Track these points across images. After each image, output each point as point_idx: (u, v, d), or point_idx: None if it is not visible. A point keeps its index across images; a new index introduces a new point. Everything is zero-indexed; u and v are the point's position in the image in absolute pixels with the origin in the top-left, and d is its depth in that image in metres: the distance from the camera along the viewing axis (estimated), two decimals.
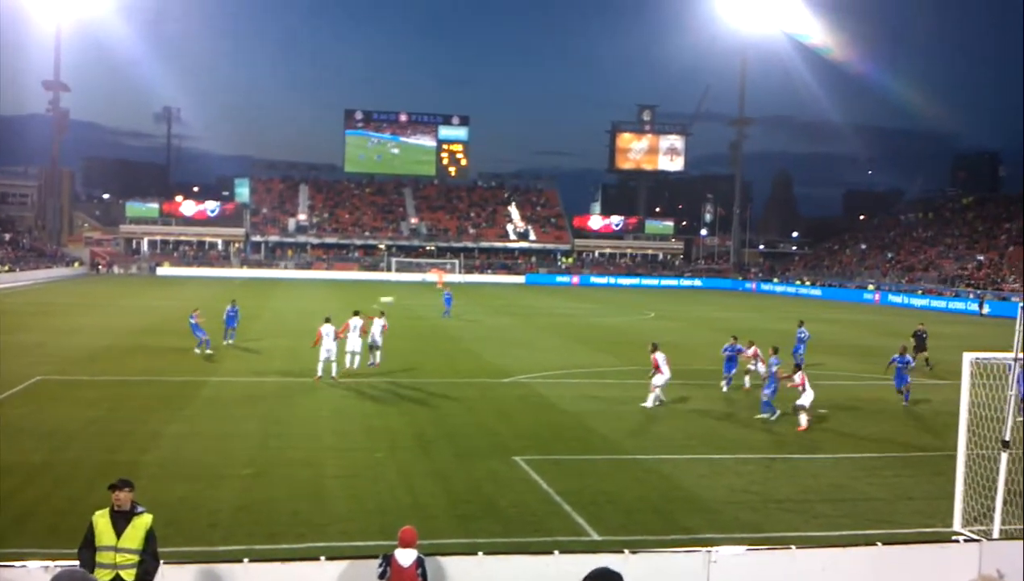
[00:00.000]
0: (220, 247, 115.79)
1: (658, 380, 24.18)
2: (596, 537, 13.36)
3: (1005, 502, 12.82)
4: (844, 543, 12.07)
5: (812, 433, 21.27)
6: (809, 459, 19.01)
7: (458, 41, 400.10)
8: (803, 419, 21.71)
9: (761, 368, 25.85)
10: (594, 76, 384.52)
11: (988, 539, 12.17)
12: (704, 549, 10.79)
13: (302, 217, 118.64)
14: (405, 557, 9.03)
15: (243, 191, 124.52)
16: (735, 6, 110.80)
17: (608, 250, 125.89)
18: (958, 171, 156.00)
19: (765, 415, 22.77)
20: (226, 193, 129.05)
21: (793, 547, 11.28)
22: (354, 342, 28.21)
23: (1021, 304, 14.48)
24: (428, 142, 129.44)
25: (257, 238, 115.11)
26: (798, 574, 10.93)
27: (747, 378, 27.64)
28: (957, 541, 12.14)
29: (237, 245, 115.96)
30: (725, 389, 27.01)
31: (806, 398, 21.84)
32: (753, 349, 27.43)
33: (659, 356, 24.24)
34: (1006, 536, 12.39)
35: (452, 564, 9.63)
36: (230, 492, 15.08)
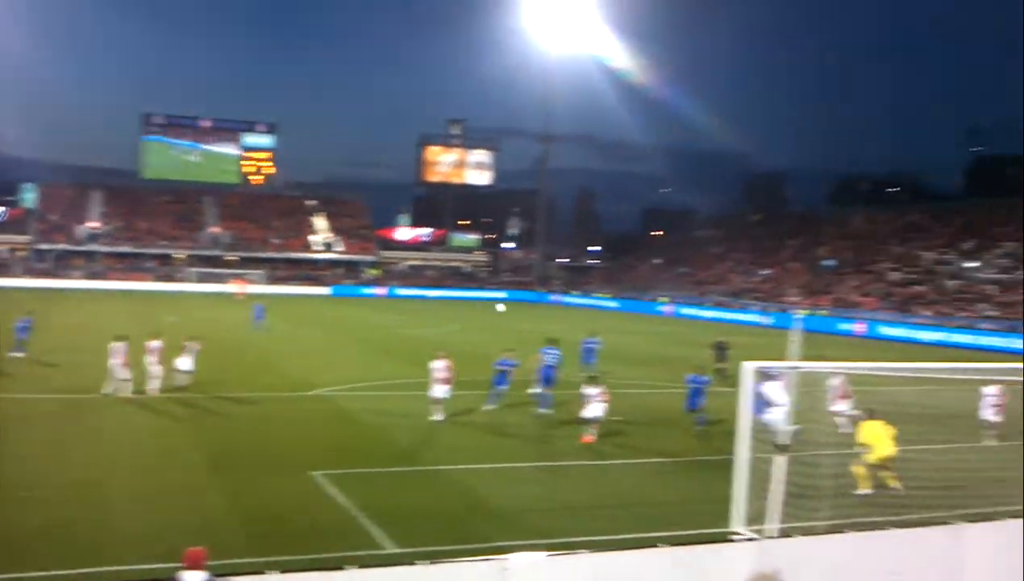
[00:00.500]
0: (3, 255, 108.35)
1: (438, 392, 23.81)
2: (393, 550, 13.30)
3: (781, 503, 13.60)
4: (633, 546, 12.48)
5: (605, 441, 21.88)
6: (603, 465, 19.60)
7: (266, 44, 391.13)
8: (590, 431, 21.64)
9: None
10: (406, 88, 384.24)
11: (765, 538, 12.89)
12: (500, 557, 10.93)
13: (94, 224, 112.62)
14: (192, 579, 8.74)
15: (30, 197, 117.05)
16: (543, 25, 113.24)
17: (415, 262, 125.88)
18: (747, 191, 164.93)
19: (543, 410, 23.23)
20: (10, 198, 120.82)
21: (586, 551, 11.59)
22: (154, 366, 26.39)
23: (796, 316, 15.45)
24: (231, 150, 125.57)
25: (44, 246, 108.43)
26: (590, 578, 11.24)
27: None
28: (736, 541, 12.79)
29: (21, 253, 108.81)
30: (491, 407, 25.60)
31: (595, 410, 21.68)
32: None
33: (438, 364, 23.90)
34: (782, 534, 13.15)
35: None
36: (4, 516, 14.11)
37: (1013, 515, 14.59)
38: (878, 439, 17.50)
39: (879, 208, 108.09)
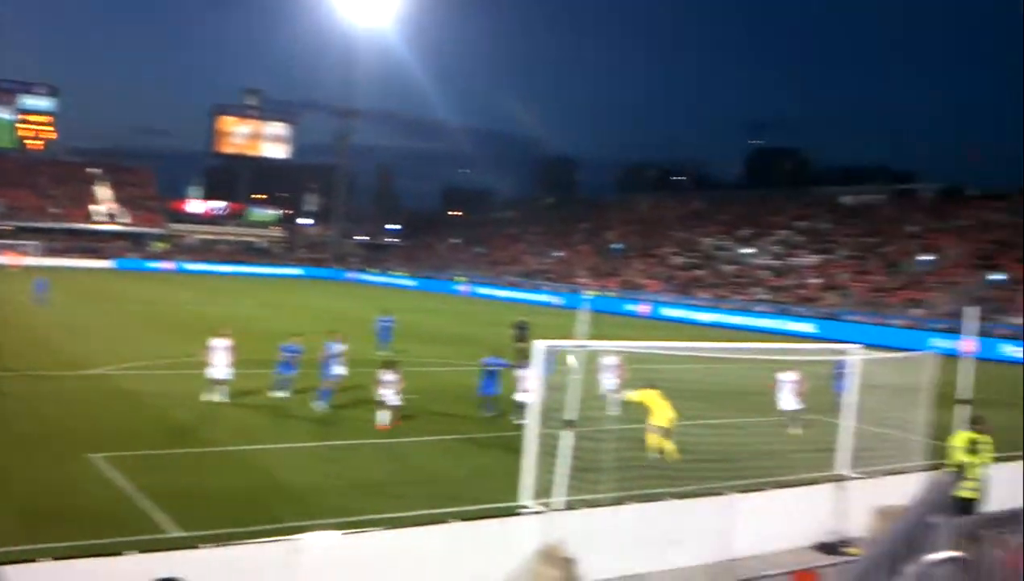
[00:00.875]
0: None
1: (217, 372, 22.93)
2: (179, 533, 12.89)
3: (567, 476, 14.06)
4: (421, 522, 12.61)
5: (401, 417, 21.92)
6: (396, 443, 19.66)
7: (50, 2, 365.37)
8: (385, 417, 21.11)
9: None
10: (200, 55, 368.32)
11: (551, 510, 13.30)
12: (292, 537, 10.81)
13: None
14: None
15: None
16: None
17: (207, 236, 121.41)
18: (541, 174, 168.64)
19: (321, 403, 22.72)
20: None
21: (378, 529, 11.62)
22: None
23: (585, 296, 15.97)
24: (5, 113, 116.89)
25: None
26: (382, 555, 11.29)
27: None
28: (523, 514, 13.14)
29: None
30: (282, 395, 24.12)
31: (391, 398, 21.13)
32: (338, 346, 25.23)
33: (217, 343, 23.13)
34: (567, 507, 13.60)
35: (13, 573, 8.84)
36: None
37: (779, 485, 15.71)
38: (657, 406, 18.47)
39: (664, 195, 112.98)
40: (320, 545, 10.97)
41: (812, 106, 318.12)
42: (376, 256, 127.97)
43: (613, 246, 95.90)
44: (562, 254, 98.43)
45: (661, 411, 18.61)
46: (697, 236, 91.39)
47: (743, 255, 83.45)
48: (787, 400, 22.61)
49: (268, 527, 12.94)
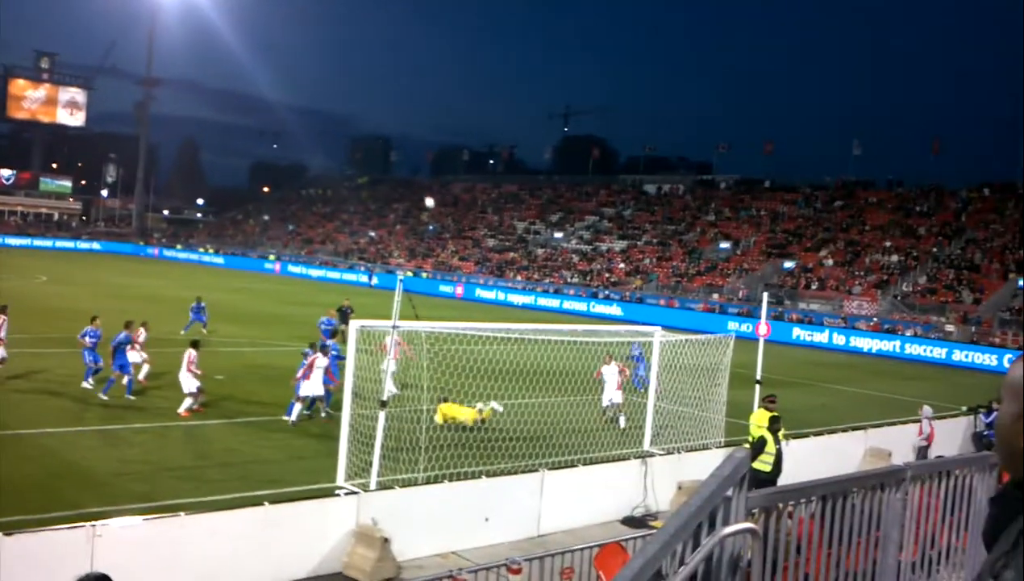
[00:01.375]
0: None
1: None
2: None
3: (382, 456, 14.06)
4: (234, 505, 12.32)
5: (208, 400, 21.27)
6: (203, 425, 19.07)
7: None
8: (187, 404, 20.09)
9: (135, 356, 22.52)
10: None
11: (366, 491, 13.27)
12: (89, 524, 10.33)
13: None
14: None
15: None
16: None
17: None
18: (355, 152, 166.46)
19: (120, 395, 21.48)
20: None
21: (182, 514, 11.26)
22: None
23: (400, 276, 15.96)
24: None
25: None
26: (187, 540, 10.96)
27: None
28: (339, 495, 13.05)
29: None
30: (89, 384, 21.83)
31: (190, 384, 20.02)
32: (142, 332, 23.61)
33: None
34: (381, 487, 13.60)
35: None
36: None
37: (589, 462, 16.23)
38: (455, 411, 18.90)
39: (477, 178, 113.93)
40: (121, 530, 10.55)
41: (619, 96, 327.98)
42: (181, 231, 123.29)
43: (427, 227, 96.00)
44: (377, 233, 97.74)
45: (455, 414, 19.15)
46: (510, 219, 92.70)
47: (553, 239, 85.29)
48: (611, 393, 22.50)
49: (64, 513, 12.33)
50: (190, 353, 20.15)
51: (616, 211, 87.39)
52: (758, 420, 15.65)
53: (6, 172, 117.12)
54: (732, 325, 49.09)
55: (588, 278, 72.84)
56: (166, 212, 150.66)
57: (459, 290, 71.95)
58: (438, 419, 19.05)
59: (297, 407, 19.94)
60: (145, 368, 22.47)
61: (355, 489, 13.48)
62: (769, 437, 14.94)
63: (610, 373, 22.29)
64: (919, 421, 20.91)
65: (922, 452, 19.80)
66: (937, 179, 73.09)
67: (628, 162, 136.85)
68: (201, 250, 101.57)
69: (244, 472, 15.68)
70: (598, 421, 20.77)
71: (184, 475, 15.23)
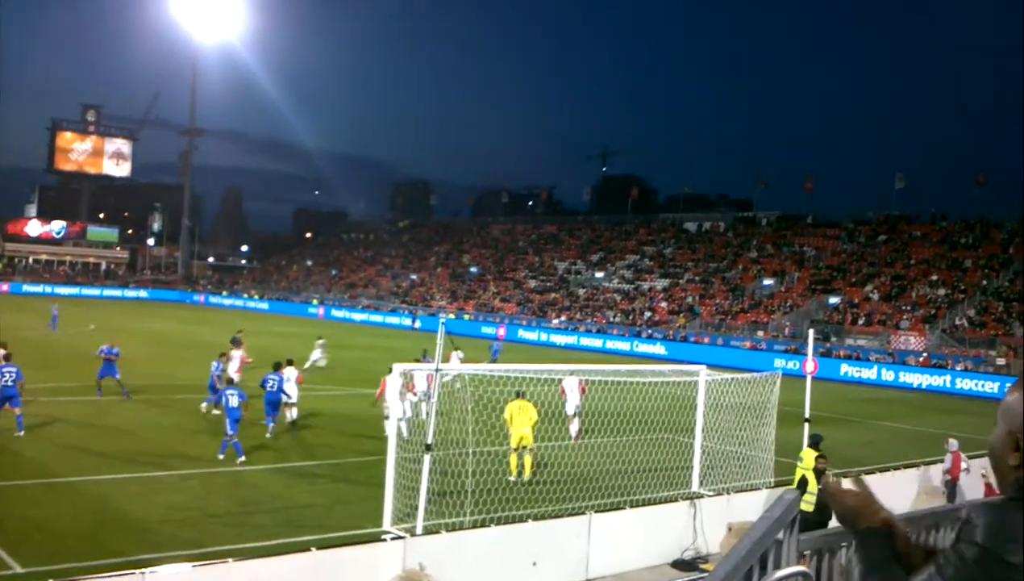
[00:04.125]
0: None
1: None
2: (19, 570, 12.19)
3: (428, 500, 14.02)
4: (281, 551, 12.31)
5: (255, 444, 21.38)
6: (249, 471, 19.13)
7: None
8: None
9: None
10: (33, 67, 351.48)
11: (412, 535, 13.21)
12: (139, 571, 10.37)
13: None
14: None
15: None
16: (190, 12, 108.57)
17: (44, 257, 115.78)
18: (396, 197, 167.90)
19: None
20: None
21: (230, 560, 11.28)
22: None
23: (442, 319, 16.00)
24: None
25: None
26: None
27: (203, 405, 25.60)
28: (385, 540, 13.00)
29: None
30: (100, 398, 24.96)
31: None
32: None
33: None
34: (427, 532, 13.54)
35: None
36: None
37: (634, 504, 16.05)
38: (520, 419, 18.60)
39: (517, 219, 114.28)
40: (170, 578, 10.57)
41: (656, 135, 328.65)
42: (226, 278, 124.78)
43: (468, 269, 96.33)
44: (418, 276, 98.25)
45: (517, 427, 18.71)
46: (550, 260, 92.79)
47: (595, 279, 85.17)
48: (572, 404, 23.68)
49: (113, 560, 12.41)
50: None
51: (657, 250, 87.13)
52: (805, 461, 15.42)
53: (57, 225, 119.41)
54: (778, 362, 48.56)
55: (631, 317, 72.53)
56: (211, 259, 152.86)
57: (501, 331, 71.94)
58: (512, 437, 18.68)
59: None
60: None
61: (401, 534, 13.42)
62: (811, 477, 14.70)
63: (570, 386, 23.49)
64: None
65: (950, 487, 19.10)
66: (981, 211, 72.15)
67: (667, 201, 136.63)
68: (246, 296, 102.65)
69: (290, 517, 15.69)
70: (645, 460, 20.58)
71: (231, 521, 15.26)
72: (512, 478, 17.81)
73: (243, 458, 19.57)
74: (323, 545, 12.38)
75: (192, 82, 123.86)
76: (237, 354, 28.08)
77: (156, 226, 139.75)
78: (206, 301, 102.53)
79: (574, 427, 23.83)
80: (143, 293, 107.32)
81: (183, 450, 20.73)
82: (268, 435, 22.24)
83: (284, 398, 23.32)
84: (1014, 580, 1.64)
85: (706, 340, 62.90)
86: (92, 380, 26.70)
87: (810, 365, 20.04)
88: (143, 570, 10.39)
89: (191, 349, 41.72)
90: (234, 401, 19.99)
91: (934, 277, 63.92)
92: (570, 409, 23.79)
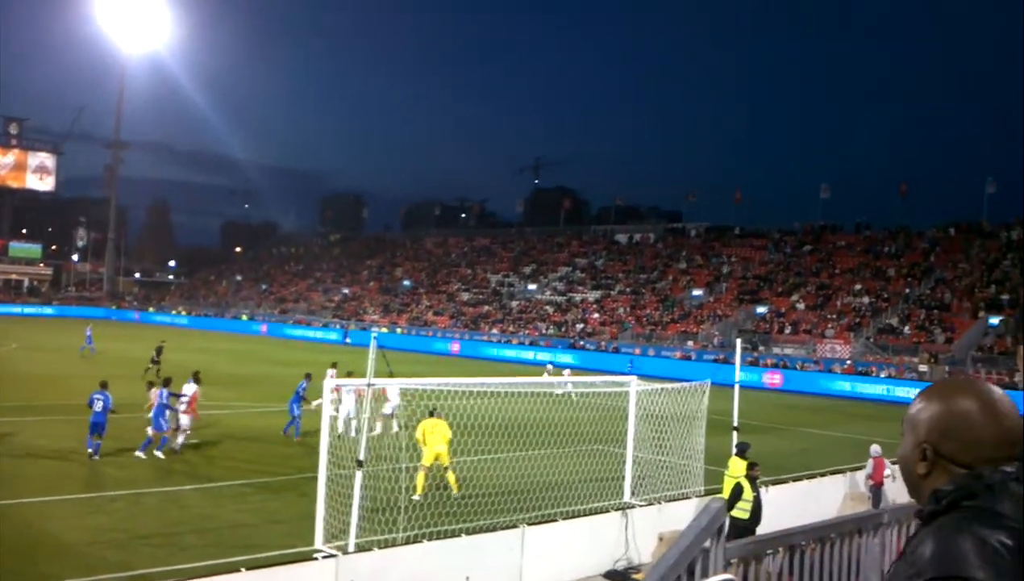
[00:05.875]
0: None
1: None
2: None
3: (360, 517, 13.92)
4: (211, 572, 12.12)
5: (181, 463, 21.06)
6: (178, 491, 18.81)
7: None
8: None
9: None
10: None
11: (344, 553, 13.11)
12: None
13: None
14: None
15: None
16: (117, 23, 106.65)
17: None
18: (326, 210, 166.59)
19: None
20: None
21: None
22: None
23: (374, 334, 15.94)
24: None
25: None
26: None
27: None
28: (316, 559, 12.88)
29: None
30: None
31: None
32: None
33: None
34: (360, 549, 13.45)
35: None
36: None
37: (567, 516, 16.14)
38: (433, 437, 18.49)
39: (450, 232, 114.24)
40: None
41: (588, 148, 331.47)
42: (154, 294, 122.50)
43: (401, 283, 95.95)
44: (350, 290, 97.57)
45: (431, 446, 18.58)
46: (483, 272, 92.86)
47: (527, 291, 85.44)
48: (390, 406, 24.68)
49: None
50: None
51: (589, 261, 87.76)
52: (732, 469, 15.66)
53: None
54: (707, 372, 49.21)
55: (563, 329, 72.89)
56: (137, 275, 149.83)
57: (455, 347, 71.65)
58: (426, 456, 18.56)
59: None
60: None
61: (333, 552, 13.31)
62: (746, 484, 14.94)
63: (392, 391, 24.09)
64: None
65: (874, 492, 19.41)
66: (904, 221, 74.15)
67: (599, 213, 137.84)
68: (174, 312, 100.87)
69: (220, 538, 15.46)
70: (576, 472, 20.67)
71: (160, 542, 14.99)
72: (416, 497, 17.45)
73: (97, 457, 20.82)
74: (253, 565, 12.21)
75: (119, 94, 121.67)
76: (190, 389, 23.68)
77: (81, 241, 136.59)
78: (133, 318, 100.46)
79: (394, 426, 24.45)
80: (67, 310, 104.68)
81: (109, 471, 20.32)
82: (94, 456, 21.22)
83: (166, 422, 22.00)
84: None
85: (637, 351, 63.48)
86: (10, 401, 26.03)
87: (738, 374, 20.37)
88: None
89: (117, 366, 40.89)
90: (99, 406, 21.03)
91: (858, 286, 65.39)
92: (388, 410, 24.72)
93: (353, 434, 14.04)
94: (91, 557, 13.93)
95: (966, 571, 1.66)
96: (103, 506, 17.16)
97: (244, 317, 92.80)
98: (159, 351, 40.93)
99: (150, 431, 21.82)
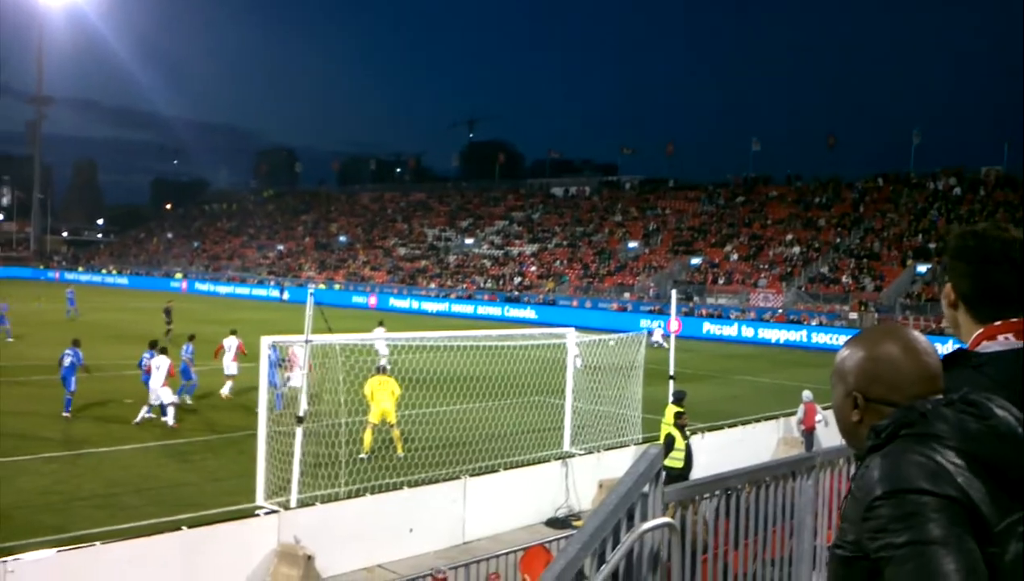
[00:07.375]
0: None
1: None
2: None
3: (301, 473, 13.94)
4: (152, 532, 12.08)
5: (119, 424, 20.82)
6: (117, 451, 18.62)
7: None
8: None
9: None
10: None
11: (287, 509, 13.15)
12: (2, 560, 10.03)
13: None
14: None
15: None
16: None
17: None
18: (259, 165, 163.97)
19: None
20: None
21: (98, 544, 11.01)
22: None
23: (311, 289, 15.86)
24: None
25: None
26: (105, 571, 10.72)
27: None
28: (259, 515, 12.90)
29: None
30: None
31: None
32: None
33: None
34: (302, 504, 13.49)
35: None
36: None
37: (508, 466, 16.34)
38: (381, 394, 18.36)
39: (385, 187, 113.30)
40: (33, 564, 10.26)
41: (523, 102, 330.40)
42: (82, 253, 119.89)
43: (337, 238, 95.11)
44: (285, 247, 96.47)
45: (378, 403, 18.40)
46: (419, 227, 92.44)
47: (464, 245, 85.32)
48: (229, 366, 24.75)
49: None
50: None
51: (525, 215, 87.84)
52: (668, 417, 15.98)
53: None
54: (644, 322, 49.79)
55: (501, 283, 73.04)
56: (65, 234, 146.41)
57: (373, 300, 71.46)
58: (373, 413, 18.33)
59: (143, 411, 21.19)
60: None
61: (275, 508, 13.34)
62: (676, 433, 15.25)
63: (229, 344, 24.93)
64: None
65: (807, 436, 19.87)
66: (834, 172, 75.38)
67: (534, 166, 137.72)
68: (104, 271, 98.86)
69: (161, 497, 15.36)
70: (517, 423, 20.89)
71: (98, 503, 14.85)
72: (363, 455, 17.42)
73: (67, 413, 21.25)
74: (196, 523, 12.19)
75: (38, 47, 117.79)
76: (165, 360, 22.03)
77: (5, 200, 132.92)
78: (61, 277, 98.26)
79: (226, 390, 24.45)
80: None
81: (45, 433, 20.00)
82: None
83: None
84: (934, 497, 1.74)
85: (574, 303, 63.92)
86: None
87: (673, 324, 20.69)
88: (5, 559, 10.07)
89: (43, 329, 40.11)
90: (67, 361, 21.65)
91: (789, 236, 66.48)
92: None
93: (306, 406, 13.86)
94: (26, 521, 13.75)
95: (913, 483, 1.77)
96: (37, 468, 16.91)
97: (176, 275, 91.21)
98: (168, 312, 41.98)
99: (168, 397, 21.34)
